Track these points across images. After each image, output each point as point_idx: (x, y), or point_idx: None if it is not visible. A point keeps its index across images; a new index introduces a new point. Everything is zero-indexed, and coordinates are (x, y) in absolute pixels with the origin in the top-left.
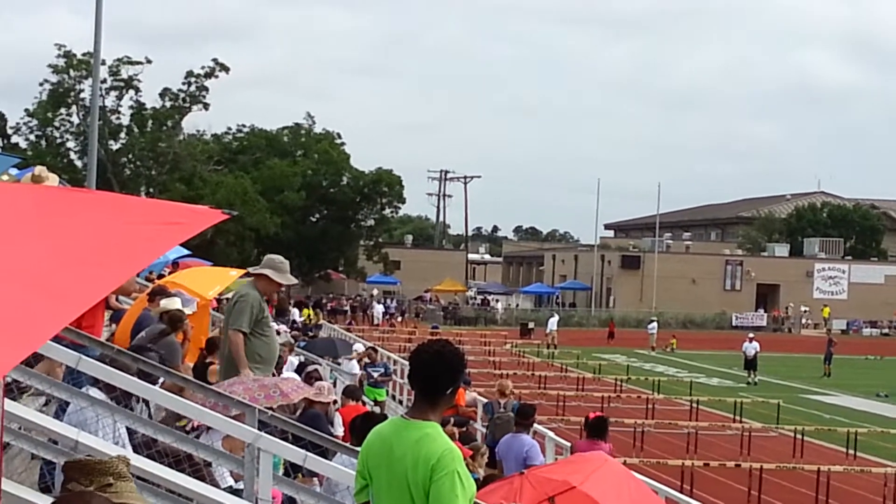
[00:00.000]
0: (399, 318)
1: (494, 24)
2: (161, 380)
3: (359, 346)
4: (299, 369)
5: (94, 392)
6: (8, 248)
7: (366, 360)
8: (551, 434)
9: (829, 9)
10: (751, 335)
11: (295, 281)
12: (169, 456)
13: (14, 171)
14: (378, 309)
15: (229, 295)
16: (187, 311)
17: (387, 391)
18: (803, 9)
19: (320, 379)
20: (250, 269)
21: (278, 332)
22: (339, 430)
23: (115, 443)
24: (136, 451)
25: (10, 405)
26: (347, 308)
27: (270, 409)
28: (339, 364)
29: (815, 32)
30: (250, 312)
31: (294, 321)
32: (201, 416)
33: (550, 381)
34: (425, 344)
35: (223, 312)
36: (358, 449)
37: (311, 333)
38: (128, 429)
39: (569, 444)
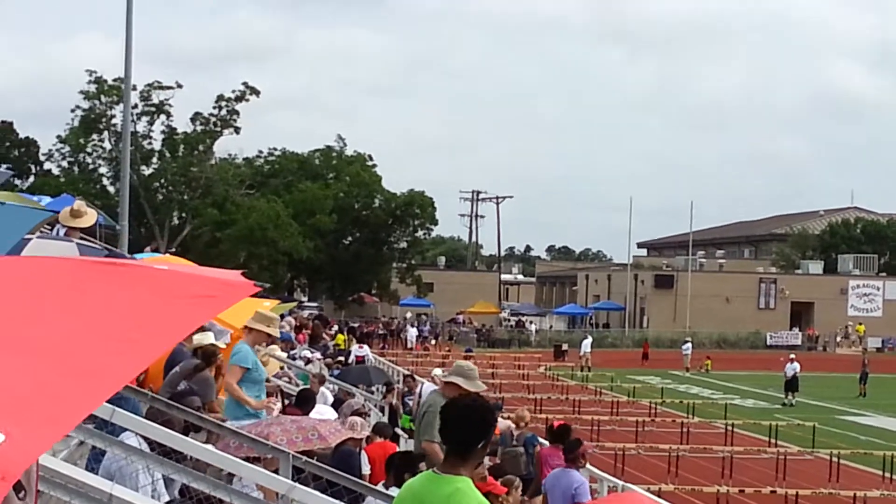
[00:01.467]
0: (433, 342)
1: (520, 44)
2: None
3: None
4: (336, 404)
5: (131, 438)
6: (39, 324)
7: (403, 388)
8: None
9: (854, 19)
10: (792, 355)
11: (484, 387)
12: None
13: (46, 200)
14: (411, 332)
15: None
16: (220, 343)
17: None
18: (828, 20)
19: (368, 415)
20: (437, 377)
21: (310, 361)
22: (366, 468)
23: (152, 492)
24: (181, 494)
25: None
26: (381, 332)
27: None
28: (371, 393)
29: (841, 43)
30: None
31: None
32: (236, 468)
33: (585, 404)
34: (456, 398)
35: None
36: (392, 493)
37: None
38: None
39: (603, 475)
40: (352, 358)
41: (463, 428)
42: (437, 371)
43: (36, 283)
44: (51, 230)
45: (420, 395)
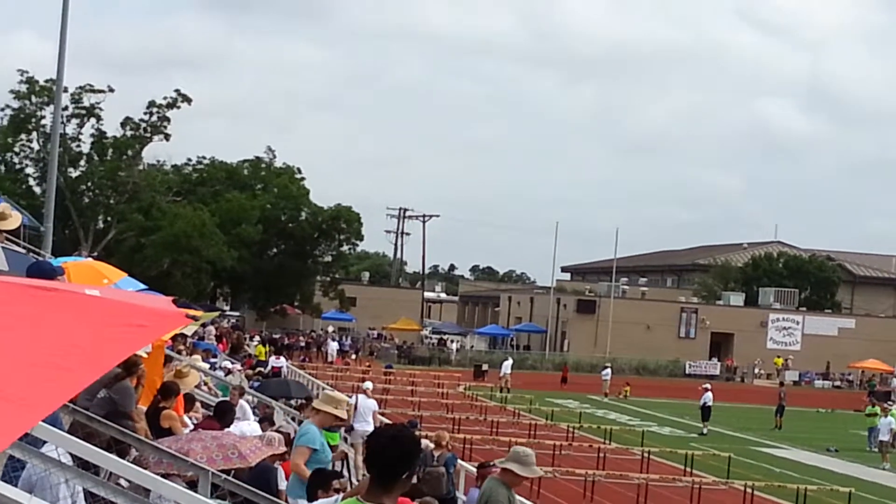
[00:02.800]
0: (353, 356)
1: (457, 63)
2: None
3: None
4: (262, 420)
5: (53, 450)
6: None
7: None
8: None
9: (787, 58)
10: (707, 385)
11: (541, 473)
12: None
13: None
14: (332, 346)
15: (187, 330)
16: (142, 352)
17: (340, 434)
18: (763, 58)
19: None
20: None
21: (230, 372)
22: (283, 483)
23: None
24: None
25: None
26: (302, 344)
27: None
28: (291, 405)
29: (775, 82)
30: None
31: (250, 356)
32: (157, 486)
33: (503, 426)
34: (381, 428)
35: (176, 352)
36: None
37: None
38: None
39: (519, 498)
40: (268, 368)
41: (388, 458)
42: (368, 384)
43: None
44: None
45: (356, 408)
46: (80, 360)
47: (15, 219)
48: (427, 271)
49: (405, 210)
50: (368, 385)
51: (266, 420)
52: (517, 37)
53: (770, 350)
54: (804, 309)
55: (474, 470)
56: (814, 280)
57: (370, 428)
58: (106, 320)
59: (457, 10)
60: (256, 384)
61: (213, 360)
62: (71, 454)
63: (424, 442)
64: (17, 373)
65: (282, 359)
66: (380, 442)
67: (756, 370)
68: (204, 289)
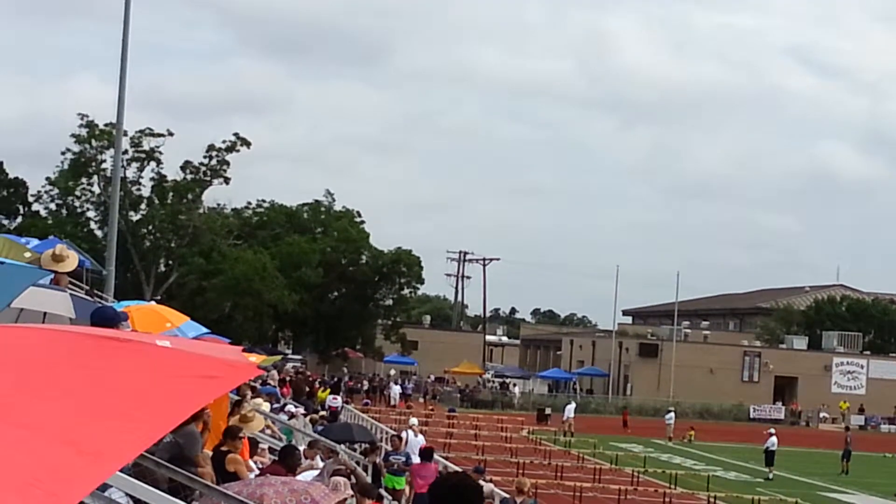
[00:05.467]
0: (421, 400)
1: (513, 106)
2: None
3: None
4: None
5: (116, 494)
6: (39, 400)
7: (387, 447)
8: None
9: (846, 100)
10: (771, 429)
11: None
12: None
13: (34, 242)
14: (395, 390)
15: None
16: None
17: (406, 479)
18: (822, 100)
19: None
20: (414, 426)
21: (293, 416)
22: None
23: None
24: None
25: None
26: (366, 387)
27: None
28: (355, 450)
29: (832, 124)
30: None
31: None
32: None
33: (567, 470)
34: (444, 477)
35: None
36: None
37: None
38: None
39: None
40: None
41: None
42: (413, 420)
43: (37, 356)
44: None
45: (406, 444)
46: (153, 412)
47: (72, 260)
48: (488, 314)
49: (465, 253)
50: (414, 421)
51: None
52: (573, 80)
53: (834, 394)
54: (868, 353)
55: None
56: (878, 323)
57: (417, 460)
58: (177, 372)
59: (512, 53)
60: (320, 428)
61: (276, 404)
62: (132, 497)
63: (489, 486)
64: (91, 425)
65: (338, 398)
66: (442, 491)
67: (821, 414)
68: (265, 332)
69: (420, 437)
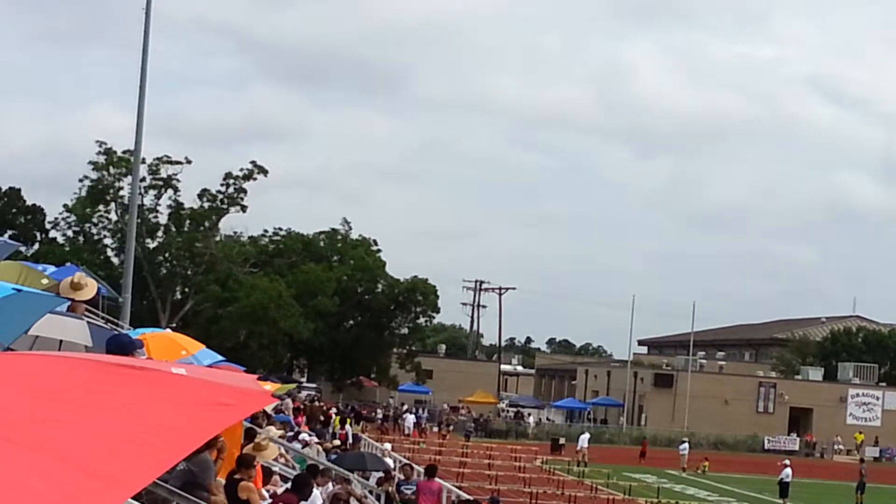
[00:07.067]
0: (436, 429)
1: (529, 135)
2: None
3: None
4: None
5: None
6: (53, 426)
7: (400, 476)
8: None
9: (862, 130)
10: (786, 461)
11: None
12: None
13: (51, 269)
14: (409, 419)
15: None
16: None
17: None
18: (837, 130)
19: (347, 502)
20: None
21: (307, 444)
22: None
23: None
24: None
25: None
26: (380, 417)
27: None
28: (367, 479)
29: (849, 153)
30: None
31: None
32: None
33: (581, 500)
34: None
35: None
36: None
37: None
38: None
39: None
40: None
41: None
42: (387, 445)
43: (53, 383)
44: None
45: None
46: (168, 439)
47: (91, 288)
48: (503, 344)
49: (481, 283)
50: (387, 446)
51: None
52: (590, 109)
53: (850, 425)
54: (884, 384)
55: None
56: (894, 355)
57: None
58: (192, 399)
59: (529, 81)
60: (334, 457)
61: (290, 432)
62: None
63: None
64: (106, 451)
65: (348, 427)
66: None
67: (836, 446)
68: (280, 360)
69: (389, 459)
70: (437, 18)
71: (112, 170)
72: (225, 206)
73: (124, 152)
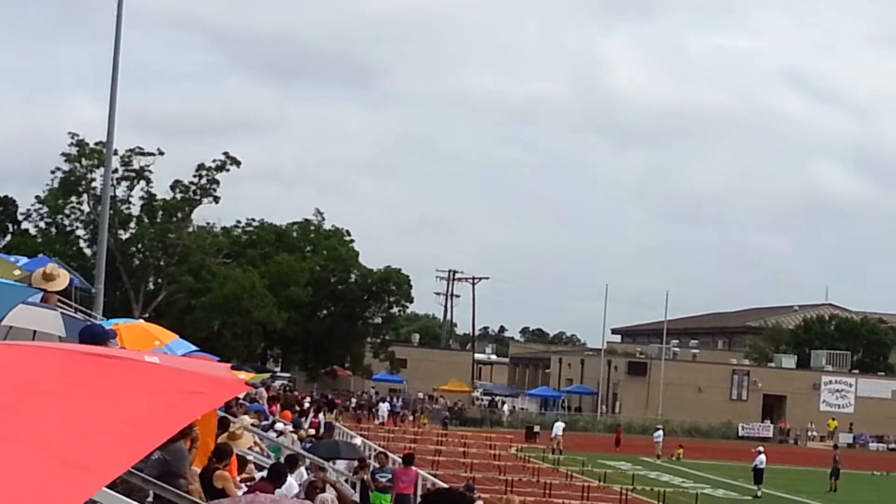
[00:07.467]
0: (410, 417)
1: (504, 127)
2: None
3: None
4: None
5: None
6: (27, 415)
7: (375, 464)
8: None
9: (835, 122)
10: (760, 447)
11: None
12: None
13: (23, 261)
14: (383, 407)
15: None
16: None
17: (391, 496)
18: (810, 121)
19: (323, 490)
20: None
21: (282, 433)
22: None
23: None
24: None
25: None
26: (353, 405)
27: None
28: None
29: (824, 145)
30: None
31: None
32: None
33: (555, 487)
34: (432, 491)
35: (231, 414)
36: None
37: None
38: None
39: None
40: (308, 423)
41: None
42: (357, 440)
43: (26, 373)
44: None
45: None
46: (142, 428)
47: (63, 279)
48: (477, 333)
49: (454, 272)
50: (357, 441)
51: (317, 489)
52: (566, 102)
53: (823, 412)
54: (857, 371)
55: None
56: (866, 342)
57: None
58: (165, 388)
59: (506, 75)
60: (308, 445)
61: (265, 421)
62: None
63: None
64: (80, 440)
65: (320, 416)
66: (436, 498)
67: (809, 433)
68: (254, 350)
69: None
70: (413, 11)
71: (84, 161)
72: (198, 198)
73: (97, 144)
